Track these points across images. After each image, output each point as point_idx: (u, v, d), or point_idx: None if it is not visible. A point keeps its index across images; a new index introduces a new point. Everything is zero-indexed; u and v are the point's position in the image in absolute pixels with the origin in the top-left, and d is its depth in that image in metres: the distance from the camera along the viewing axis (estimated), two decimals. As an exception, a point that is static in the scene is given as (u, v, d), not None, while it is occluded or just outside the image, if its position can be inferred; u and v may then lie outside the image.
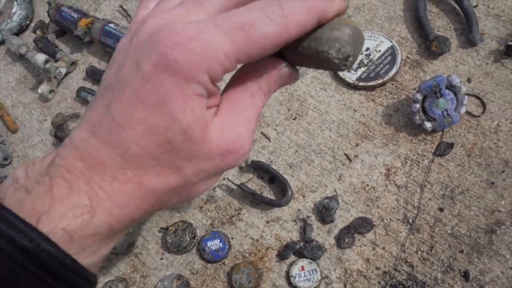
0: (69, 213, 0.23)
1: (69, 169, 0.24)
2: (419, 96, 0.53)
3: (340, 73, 0.66)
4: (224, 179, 0.64)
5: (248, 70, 0.27)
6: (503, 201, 0.53)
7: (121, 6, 0.84)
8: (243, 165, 0.64)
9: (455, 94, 0.54)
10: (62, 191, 0.23)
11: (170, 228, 0.60)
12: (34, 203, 0.23)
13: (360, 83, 0.65)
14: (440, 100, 0.53)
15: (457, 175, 0.56)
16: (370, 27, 0.69)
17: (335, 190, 0.59)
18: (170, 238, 0.60)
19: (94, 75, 0.77)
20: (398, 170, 0.58)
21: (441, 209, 0.55)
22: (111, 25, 0.76)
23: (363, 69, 0.65)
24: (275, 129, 0.65)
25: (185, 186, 0.26)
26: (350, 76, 0.65)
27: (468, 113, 0.58)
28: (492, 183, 0.54)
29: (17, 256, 0.21)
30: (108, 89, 0.25)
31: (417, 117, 0.53)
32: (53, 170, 0.24)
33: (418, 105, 0.53)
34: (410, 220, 0.55)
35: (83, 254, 0.24)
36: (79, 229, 0.23)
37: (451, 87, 0.53)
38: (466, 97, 0.53)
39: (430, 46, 0.63)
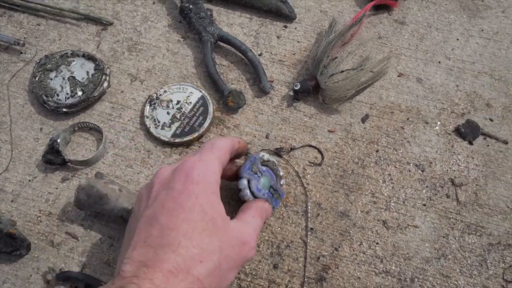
0: None
1: (138, 275, 0.33)
2: (245, 182, 0.48)
3: (154, 132, 0.60)
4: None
5: (247, 205, 0.46)
6: (324, 245, 0.54)
7: None
8: (50, 278, 0.53)
9: (271, 169, 0.52)
10: None
11: None
12: None
13: (176, 140, 0.60)
14: (262, 180, 0.49)
15: (279, 229, 0.55)
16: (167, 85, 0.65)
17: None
18: None
19: None
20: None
21: (275, 266, 0.53)
22: None
23: (176, 124, 0.61)
24: (82, 224, 0.56)
25: (219, 272, 0.37)
26: (165, 133, 0.60)
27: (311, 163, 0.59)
28: (311, 228, 0.55)
29: None
30: (148, 210, 0.37)
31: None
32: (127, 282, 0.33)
33: (247, 191, 0.47)
34: (246, 290, 0.52)
35: None
36: None
37: (263, 162, 0.51)
38: (280, 168, 0.52)
39: (226, 102, 0.62)
